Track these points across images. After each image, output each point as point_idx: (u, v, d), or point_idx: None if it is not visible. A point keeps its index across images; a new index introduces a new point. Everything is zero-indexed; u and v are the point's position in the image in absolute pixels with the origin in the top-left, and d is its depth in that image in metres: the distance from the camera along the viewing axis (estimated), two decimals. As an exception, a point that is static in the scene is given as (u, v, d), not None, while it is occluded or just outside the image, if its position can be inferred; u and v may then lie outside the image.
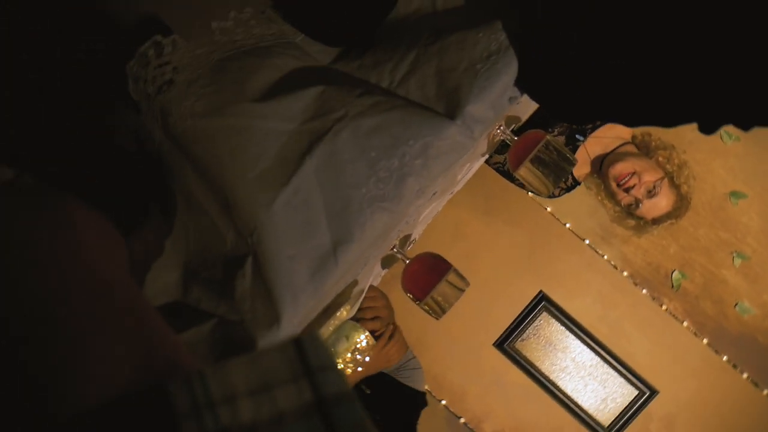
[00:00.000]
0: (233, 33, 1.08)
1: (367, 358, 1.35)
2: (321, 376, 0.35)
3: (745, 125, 0.50)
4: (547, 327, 2.81)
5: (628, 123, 0.60)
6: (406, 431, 1.73)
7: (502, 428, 2.83)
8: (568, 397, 2.78)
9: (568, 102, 0.62)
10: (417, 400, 1.83)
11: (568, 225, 2.82)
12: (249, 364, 0.35)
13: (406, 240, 1.37)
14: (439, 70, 0.92)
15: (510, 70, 0.88)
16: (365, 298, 1.44)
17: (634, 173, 2.11)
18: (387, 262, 1.32)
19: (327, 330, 1.23)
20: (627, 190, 2.14)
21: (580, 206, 2.70)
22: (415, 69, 0.94)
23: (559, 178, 1.30)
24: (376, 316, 1.52)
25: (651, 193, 2.13)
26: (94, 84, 1.04)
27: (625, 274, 2.80)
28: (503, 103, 0.91)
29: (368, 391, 1.68)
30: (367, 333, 1.36)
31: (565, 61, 0.57)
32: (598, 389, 2.80)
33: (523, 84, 0.67)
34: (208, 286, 0.92)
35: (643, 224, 2.33)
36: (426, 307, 1.22)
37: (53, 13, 0.93)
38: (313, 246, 0.86)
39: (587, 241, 2.79)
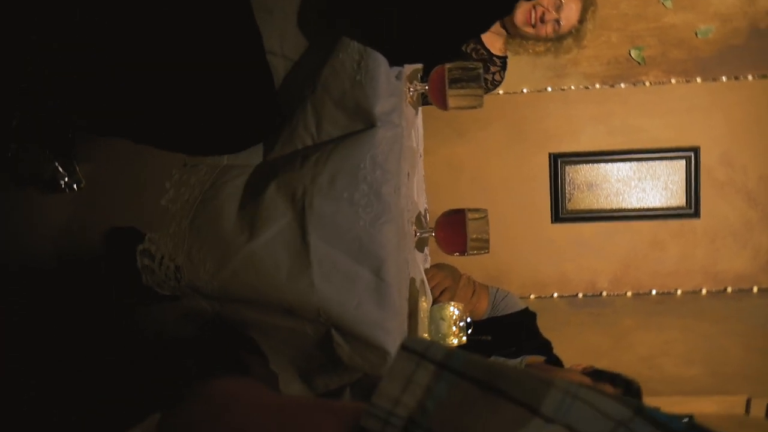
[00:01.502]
0: (180, 196, 1.24)
1: (469, 319, 1.51)
2: (429, 352, 0.53)
3: None
4: (578, 174, 2.94)
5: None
6: (539, 345, 1.89)
7: (613, 274, 2.98)
8: (641, 209, 2.91)
9: (429, 48, 0.85)
10: (525, 317, 1.99)
11: (525, 90, 2.95)
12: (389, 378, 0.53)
13: (419, 218, 1.53)
14: (336, 102, 1.07)
15: (379, 61, 1.02)
16: (427, 283, 1.61)
17: (532, 6, 2.21)
18: (421, 245, 1.47)
19: (425, 326, 1.39)
20: (541, 22, 2.24)
21: (522, 69, 2.82)
22: (320, 114, 1.09)
23: (479, 80, 1.43)
24: (443, 290, 1.67)
25: (559, 7, 2.22)
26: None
27: (598, 86, 2.92)
28: (395, 84, 1.06)
29: (489, 338, 1.84)
30: (452, 303, 1.52)
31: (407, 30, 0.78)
32: (656, 184, 2.93)
33: (396, 60, 0.87)
34: (324, 370, 1.09)
35: (576, 33, 2.42)
36: (474, 252, 1.38)
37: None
38: (363, 287, 1.02)
39: (549, 89, 2.92)
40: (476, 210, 1.38)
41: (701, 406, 2.80)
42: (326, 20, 1.08)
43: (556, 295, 2.98)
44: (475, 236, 1.37)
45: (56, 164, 1.67)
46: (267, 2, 1.13)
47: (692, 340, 2.91)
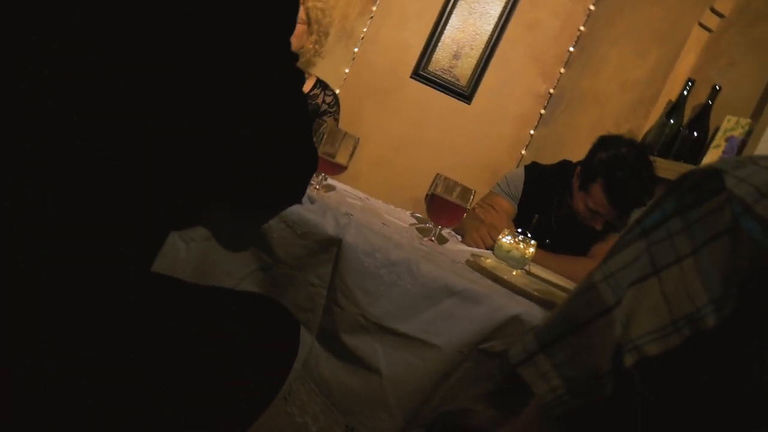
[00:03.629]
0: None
1: (519, 230, 1.68)
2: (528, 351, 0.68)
3: None
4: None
5: None
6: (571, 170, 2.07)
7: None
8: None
9: None
10: (529, 176, 2.21)
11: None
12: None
13: (423, 228, 1.69)
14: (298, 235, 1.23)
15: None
16: (474, 244, 1.76)
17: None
18: (441, 239, 1.63)
19: (507, 270, 1.55)
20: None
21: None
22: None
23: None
24: (482, 235, 1.82)
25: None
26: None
27: None
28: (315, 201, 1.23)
29: (536, 216, 2.03)
30: (499, 239, 1.68)
31: None
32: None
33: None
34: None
35: None
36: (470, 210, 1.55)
37: None
38: (457, 309, 1.18)
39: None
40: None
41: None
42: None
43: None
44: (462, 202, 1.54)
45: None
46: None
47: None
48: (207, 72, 0.92)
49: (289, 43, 1.03)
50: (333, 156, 1.54)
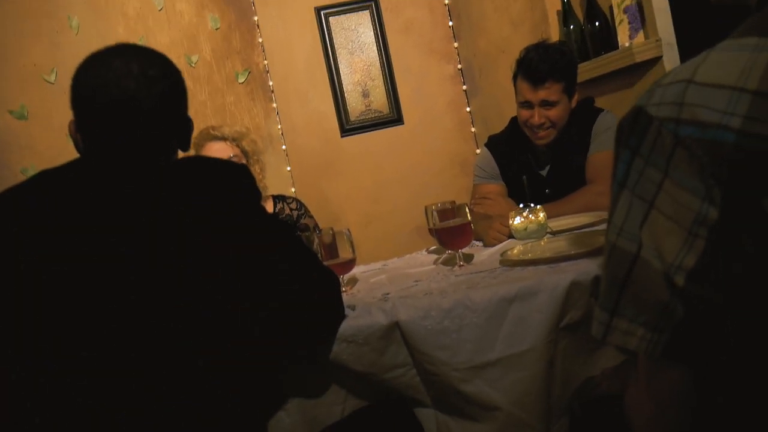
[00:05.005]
0: None
1: (520, 205, 1.76)
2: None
3: None
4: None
5: None
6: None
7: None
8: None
9: None
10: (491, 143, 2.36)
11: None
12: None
13: (439, 250, 1.77)
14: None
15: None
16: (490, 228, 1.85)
17: None
18: (467, 258, 1.71)
19: (536, 246, 1.63)
20: None
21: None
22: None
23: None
24: (490, 228, 1.90)
25: None
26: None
27: None
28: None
29: (524, 178, 2.12)
30: (508, 223, 1.77)
31: None
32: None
33: None
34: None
35: None
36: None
37: None
38: (515, 322, 1.27)
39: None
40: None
41: None
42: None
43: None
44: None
45: None
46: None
47: None
48: (226, 286, 1.03)
49: (260, 208, 1.14)
50: (337, 257, 1.62)
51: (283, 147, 3.64)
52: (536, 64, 2.09)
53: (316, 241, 1.59)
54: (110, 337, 1.00)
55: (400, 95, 3.72)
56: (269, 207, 2.67)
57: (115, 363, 1.00)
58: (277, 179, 3.56)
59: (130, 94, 1.11)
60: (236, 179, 1.10)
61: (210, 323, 1.04)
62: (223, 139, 2.45)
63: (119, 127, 1.13)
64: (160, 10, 3.40)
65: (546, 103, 2.10)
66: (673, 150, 0.63)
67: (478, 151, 3.75)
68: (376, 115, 3.72)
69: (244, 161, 2.50)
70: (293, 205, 2.71)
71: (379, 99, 3.72)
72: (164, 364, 1.01)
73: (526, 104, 2.14)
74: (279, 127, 3.64)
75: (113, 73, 1.12)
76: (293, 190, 3.64)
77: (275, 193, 2.83)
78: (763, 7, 0.68)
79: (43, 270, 1.02)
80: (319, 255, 1.58)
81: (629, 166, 0.67)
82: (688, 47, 2.29)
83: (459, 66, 3.78)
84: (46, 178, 1.11)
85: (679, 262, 0.64)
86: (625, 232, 0.68)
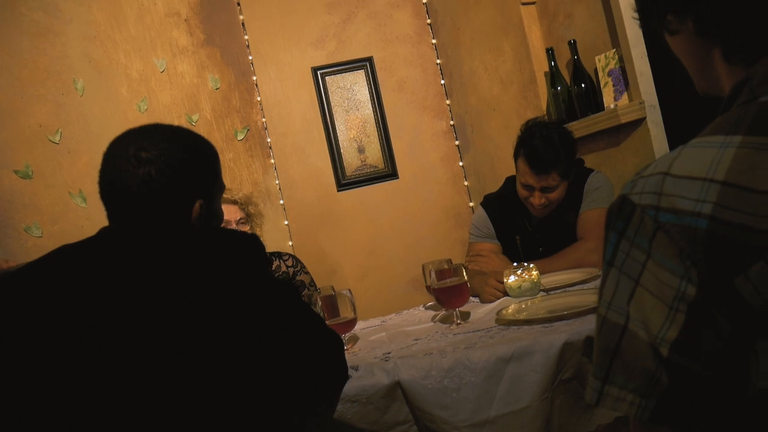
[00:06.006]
0: None
1: (515, 263, 1.83)
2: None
3: None
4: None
5: None
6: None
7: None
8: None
9: None
10: (486, 204, 2.40)
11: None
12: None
13: (436, 306, 1.82)
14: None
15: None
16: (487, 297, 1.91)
17: None
18: (464, 315, 1.77)
19: (529, 306, 1.69)
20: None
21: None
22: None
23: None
24: (485, 285, 1.97)
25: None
26: None
27: None
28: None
29: (517, 237, 2.20)
30: (503, 280, 1.83)
31: None
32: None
33: None
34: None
35: None
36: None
37: None
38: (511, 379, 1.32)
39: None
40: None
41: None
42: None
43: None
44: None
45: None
46: None
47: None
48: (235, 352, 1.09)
49: (270, 276, 1.20)
50: (338, 315, 1.68)
51: (281, 201, 3.73)
52: (540, 154, 2.12)
53: (319, 302, 1.65)
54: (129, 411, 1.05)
55: (394, 150, 3.83)
56: (267, 263, 2.73)
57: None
58: (275, 233, 3.63)
59: (120, 175, 1.19)
60: (250, 250, 1.17)
61: (221, 389, 1.09)
62: (235, 203, 2.55)
63: (116, 207, 1.22)
64: (162, 72, 3.52)
65: (547, 189, 2.17)
66: (654, 234, 0.70)
67: (471, 204, 3.85)
68: (372, 169, 3.82)
69: (248, 224, 2.59)
70: (289, 262, 2.77)
71: (374, 154, 3.82)
72: (180, 421, 1.06)
73: (527, 186, 2.19)
74: (277, 182, 3.73)
75: (112, 155, 1.21)
76: (291, 243, 3.71)
77: (273, 248, 2.90)
78: (729, 107, 0.77)
79: (60, 340, 1.07)
80: (322, 314, 1.64)
81: (616, 246, 0.75)
82: (670, 108, 2.41)
83: (451, 122, 3.90)
84: (64, 254, 1.17)
85: (663, 335, 0.71)
86: (614, 306, 0.75)
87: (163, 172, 1.19)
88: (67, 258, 1.15)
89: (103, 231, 1.20)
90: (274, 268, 2.72)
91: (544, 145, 2.12)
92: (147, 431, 1.04)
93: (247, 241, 1.19)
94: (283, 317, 1.18)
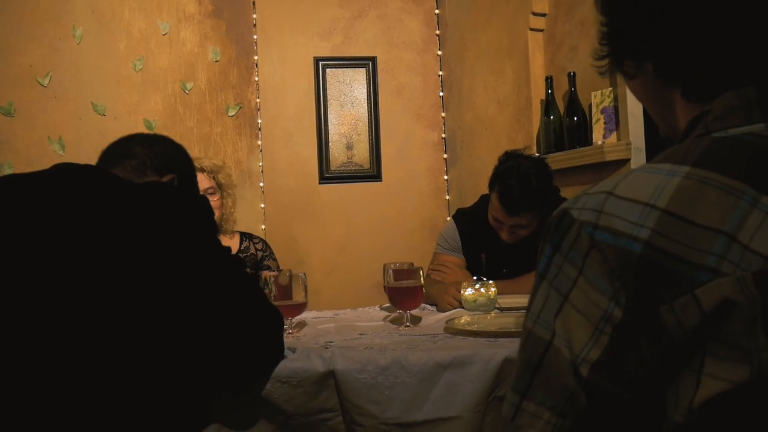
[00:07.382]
0: None
1: (474, 277, 1.82)
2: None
3: None
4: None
5: None
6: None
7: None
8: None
9: None
10: (458, 219, 2.44)
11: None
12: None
13: (391, 308, 1.81)
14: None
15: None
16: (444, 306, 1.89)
17: None
18: (415, 320, 1.76)
19: (483, 320, 1.68)
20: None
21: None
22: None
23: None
24: (444, 295, 1.96)
25: None
26: None
27: None
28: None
29: (483, 255, 2.19)
30: (459, 294, 1.82)
31: None
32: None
33: None
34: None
35: None
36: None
37: None
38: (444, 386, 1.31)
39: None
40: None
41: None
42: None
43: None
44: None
45: None
46: None
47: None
48: (160, 298, 1.05)
49: (213, 239, 1.18)
50: (290, 299, 1.66)
51: (261, 184, 3.70)
52: (515, 198, 2.05)
53: (269, 278, 1.63)
54: (36, 345, 1.01)
55: (382, 153, 3.82)
56: (235, 242, 2.70)
57: (41, 366, 1.01)
58: (249, 213, 3.60)
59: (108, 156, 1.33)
60: (195, 209, 1.15)
61: (145, 336, 1.06)
62: (202, 170, 2.50)
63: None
64: (164, 35, 3.49)
65: (517, 227, 2.14)
66: (589, 251, 0.69)
67: (449, 218, 3.84)
68: (357, 168, 3.81)
69: (218, 194, 2.55)
70: (259, 246, 2.75)
71: (361, 153, 3.81)
72: (93, 370, 1.03)
73: (497, 220, 2.15)
74: (260, 164, 3.70)
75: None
76: (263, 227, 3.68)
77: (245, 228, 2.86)
78: (684, 140, 0.76)
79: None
80: (272, 294, 1.62)
81: (550, 260, 0.74)
82: (656, 154, 2.42)
83: (443, 135, 3.90)
84: (9, 181, 1.14)
85: (585, 354, 0.70)
86: (541, 320, 0.74)
87: (147, 155, 1.33)
88: (10, 185, 1.12)
89: (56, 166, 1.17)
90: (242, 248, 2.70)
91: (520, 186, 2.05)
92: (55, 373, 1.01)
93: (194, 200, 1.16)
94: (216, 282, 1.15)
